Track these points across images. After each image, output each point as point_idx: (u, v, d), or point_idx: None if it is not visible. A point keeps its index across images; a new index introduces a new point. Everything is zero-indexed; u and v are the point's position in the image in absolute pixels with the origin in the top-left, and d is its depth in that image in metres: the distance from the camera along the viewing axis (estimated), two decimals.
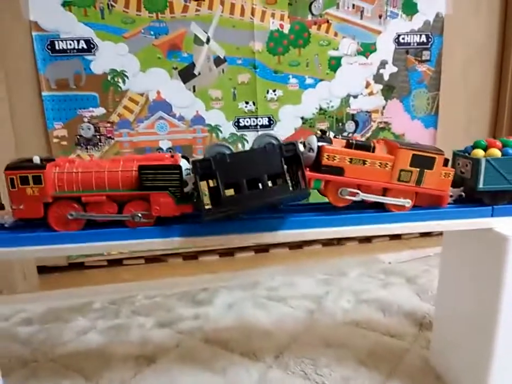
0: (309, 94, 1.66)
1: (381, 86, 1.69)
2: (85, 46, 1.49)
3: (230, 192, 0.70)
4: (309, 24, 1.60)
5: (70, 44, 1.49)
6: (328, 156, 0.73)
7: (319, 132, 0.78)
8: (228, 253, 1.77)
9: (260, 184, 0.70)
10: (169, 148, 1.62)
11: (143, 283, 1.52)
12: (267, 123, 1.66)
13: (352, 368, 1.02)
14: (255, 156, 0.70)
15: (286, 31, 1.59)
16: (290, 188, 0.70)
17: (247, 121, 1.64)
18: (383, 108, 1.72)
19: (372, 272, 1.55)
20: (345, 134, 1.72)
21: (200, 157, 1.70)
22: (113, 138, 1.57)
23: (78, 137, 1.56)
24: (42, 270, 1.63)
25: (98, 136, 1.56)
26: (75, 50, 1.49)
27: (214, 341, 1.15)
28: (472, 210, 0.79)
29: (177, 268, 1.70)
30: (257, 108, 1.63)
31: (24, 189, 0.71)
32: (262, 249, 1.79)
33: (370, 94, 1.70)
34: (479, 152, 0.80)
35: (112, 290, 1.47)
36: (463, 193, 0.82)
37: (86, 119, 1.54)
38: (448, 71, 1.70)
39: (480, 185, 0.78)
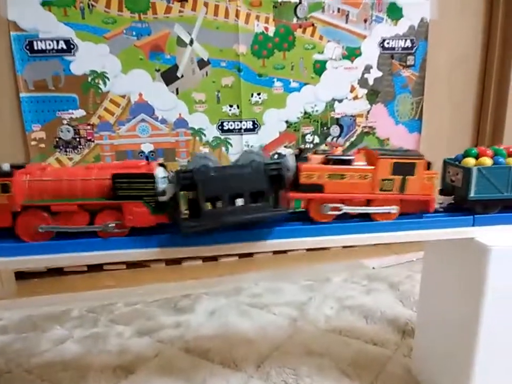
0: (294, 97, 1.64)
1: (365, 91, 1.69)
2: (64, 47, 1.45)
3: (208, 206, 0.69)
4: (294, 28, 1.59)
5: (49, 44, 1.45)
6: (306, 174, 0.73)
7: (297, 150, 0.78)
8: (212, 257, 1.75)
9: (239, 201, 0.69)
10: (151, 151, 1.59)
11: (124, 290, 1.49)
12: (251, 127, 1.64)
13: (334, 378, 1.01)
14: (240, 172, 0.69)
15: (270, 34, 1.57)
16: (271, 207, 0.69)
17: (231, 125, 1.62)
18: (368, 112, 1.71)
19: (356, 278, 1.54)
20: (329, 138, 1.71)
21: (183, 160, 1.67)
22: (93, 141, 1.53)
23: (57, 139, 1.52)
24: (21, 275, 1.58)
25: (78, 139, 1.53)
26: (54, 51, 1.45)
27: (195, 350, 1.13)
28: (453, 219, 0.78)
29: (160, 273, 1.67)
30: (241, 111, 1.61)
31: None
32: (246, 254, 1.77)
33: (355, 98, 1.69)
34: (470, 161, 0.79)
35: (92, 297, 1.44)
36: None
37: (65, 121, 1.50)
38: (432, 76, 1.71)
39: (472, 194, 0.78)
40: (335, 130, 1.71)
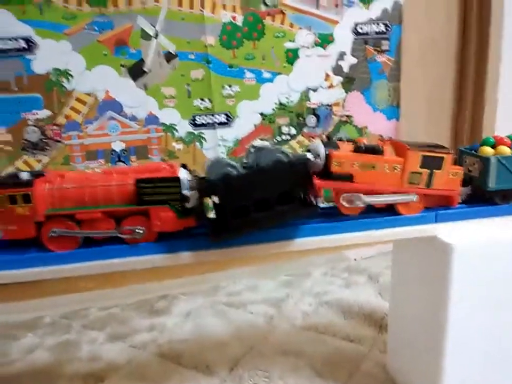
0: (267, 88, 1.59)
1: (340, 78, 1.64)
2: (24, 45, 1.40)
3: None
4: (262, 15, 1.53)
5: (9, 44, 1.39)
6: (337, 162, 0.70)
7: (324, 137, 0.75)
8: None
9: (268, 201, 0.67)
10: (123, 150, 1.54)
11: (100, 292, 1.45)
12: (225, 120, 1.59)
13: (307, 378, 0.99)
14: (264, 177, 0.66)
15: (239, 23, 1.52)
16: (299, 207, 0.67)
17: (204, 119, 1.58)
18: (344, 100, 1.67)
19: (336, 271, 1.52)
20: (306, 129, 1.67)
21: (156, 158, 1.63)
22: (61, 142, 1.49)
23: (24, 142, 1.47)
24: None
25: (45, 140, 1.48)
26: (15, 50, 1.40)
27: (168, 354, 1.11)
28: (415, 217, 0.75)
29: (138, 273, 1.63)
30: (213, 105, 1.57)
31: (13, 208, 0.66)
32: None
33: (330, 86, 1.64)
34: (488, 150, 0.77)
35: (66, 302, 1.40)
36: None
37: (30, 122, 1.45)
38: (408, 61, 1.66)
39: (491, 185, 0.76)
40: (311, 120, 1.67)
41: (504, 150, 0.76)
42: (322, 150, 0.71)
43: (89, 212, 0.67)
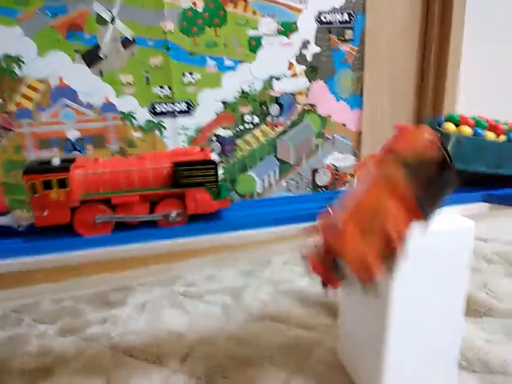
0: (229, 76, 1.57)
1: (304, 67, 1.63)
2: None
3: None
4: (224, 2, 1.50)
5: None
6: None
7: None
8: None
9: None
10: (80, 138, 1.49)
11: (54, 285, 1.41)
12: (186, 108, 1.56)
13: (259, 368, 0.99)
14: None
15: (200, 9, 1.48)
16: None
17: (164, 107, 1.54)
18: (308, 89, 1.66)
19: (297, 259, 1.52)
20: (269, 117, 1.65)
21: (114, 147, 1.58)
22: (12, 130, 1.43)
23: None
24: None
25: None
26: None
27: (120, 347, 1.09)
28: None
29: (99, 262, 1.60)
30: (173, 93, 1.53)
31: (47, 194, 0.65)
32: None
33: (294, 75, 1.63)
34: (450, 127, 0.77)
35: (18, 295, 1.36)
36: None
37: None
38: (372, 50, 1.66)
39: None
40: (274, 109, 1.66)
41: (466, 129, 0.76)
42: None
43: (126, 196, 0.67)
